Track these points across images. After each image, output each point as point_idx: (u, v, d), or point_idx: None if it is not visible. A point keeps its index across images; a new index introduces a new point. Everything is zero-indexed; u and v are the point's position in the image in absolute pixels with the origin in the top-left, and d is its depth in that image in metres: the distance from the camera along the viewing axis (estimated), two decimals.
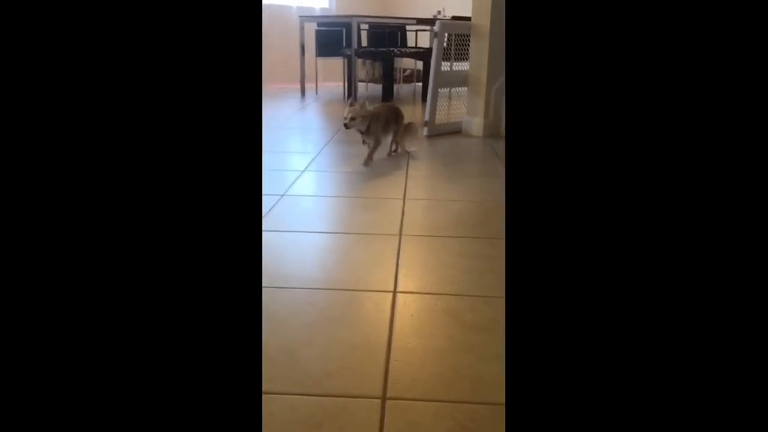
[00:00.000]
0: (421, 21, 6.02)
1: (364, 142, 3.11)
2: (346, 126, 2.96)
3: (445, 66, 3.87)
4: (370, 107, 3.06)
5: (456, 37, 3.90)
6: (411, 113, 4.99)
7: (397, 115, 3.28)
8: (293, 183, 2.66)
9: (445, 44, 3.83)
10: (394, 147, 3.32)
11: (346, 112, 2.95)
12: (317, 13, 7.25)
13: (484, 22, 3.74)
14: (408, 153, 3.34)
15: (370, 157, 3.05)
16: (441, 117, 3.98)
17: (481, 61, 3.80)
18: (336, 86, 6.62)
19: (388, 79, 5.70)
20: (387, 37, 6.45)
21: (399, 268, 1.72)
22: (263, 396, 1.10)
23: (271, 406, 1.07)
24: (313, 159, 3.11)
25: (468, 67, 3.94)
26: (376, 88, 6.09)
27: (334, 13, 7.29)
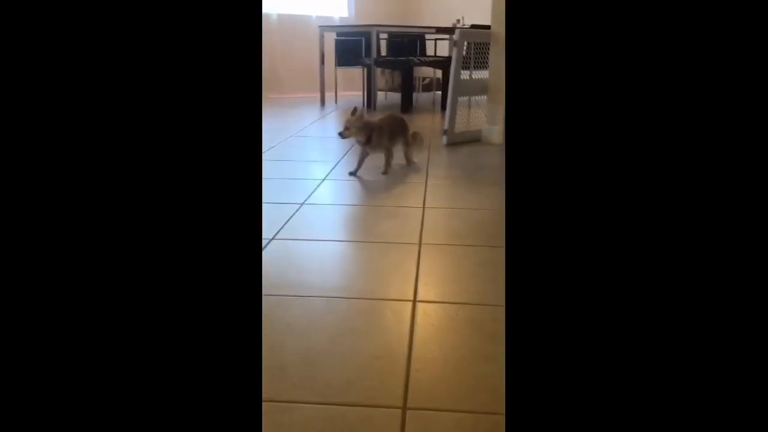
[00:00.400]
0: (440, 30, 6.03)
1: (360, 163, 3.06)
2: (341, 135, 2.93)
3: (465, 74, 3.87)
4: (374, 118, 3.04)
5: (475, 45, 3.90)
6: (430, 122, 4.99)
7: (403, 127, 3.21)
8: (313, 191, 2.67)
9: (464, 53, 3.83)
10: (408, 157, 3.25)
11: (344, 121, 2.94)
12: (337, 22, 7.29)
13: (503, 30, 3.73)
14: (414, 164, 3.25)
15: (388, 165, 3.06)
16: (460, 125, 3.98)
17: (501, 69, 3.80)
18: (355, 95, 6.65)
19: (407, 88, 5.71)
20: (406, 46, 6.46)
21: (419, 277, 1.71)
22: (284, 404, 1.10)
23: (291, 415, 1.07)
24: (333, 168, 3.13)
25: (487, 75, 3.93)
26: (396, 97, 6.11)
27: (353, 22, 7.33)
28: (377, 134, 2.99)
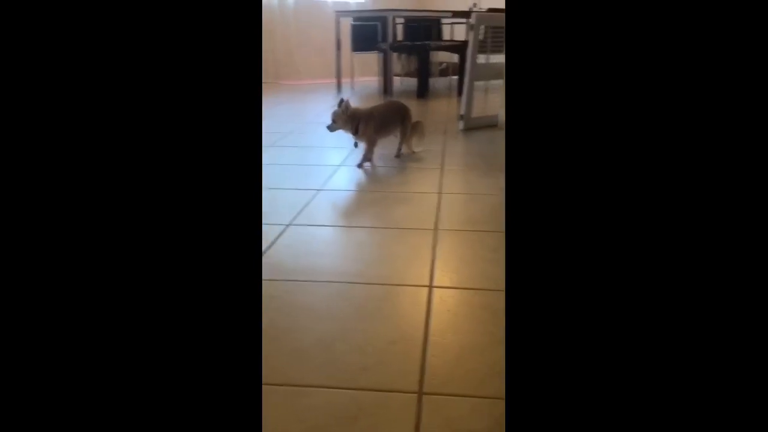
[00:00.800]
0: (456, 14, 5.97)
1: (356, 145, 2.98)
2: (329, 128, 2.86)
3: (481, 59, 3.83)
4: (365, 108, 2.95)
5: (492, 29, 3.86)
6: (446, 107, 4.96)
7: (402, 115, 3.06)
8: (330, 178, 2.67)
9: (481, 37, 3.79)
10: (400, 148, 3.11)
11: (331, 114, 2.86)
12: (353, 7, 7.25)
13: None
14: (414, 153, 3.14)
15: (364, 158, 2.91)
16: (477, 110, 3.95)
17: None
18: (372, 81, 6.63)
19: (423, 73, 5.67)
20: (422, 31, 6.41)
21: (435, 263, 1.71)
22: (300, 389, 1.11)
23: (308, 399, 1.08)
24: (348, 154, 3.12)
25: (504, 59, 3.89)
26: (412, 83, 6.07)
27: (369, 7, 7.29)
28: (363, 124, 2.87)
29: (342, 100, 2.87)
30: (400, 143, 3.11)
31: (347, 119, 2.85)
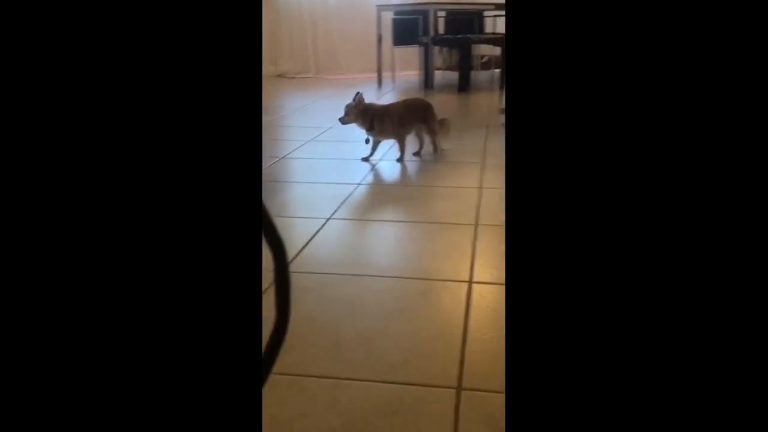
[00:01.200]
0: (499, 6, 5.90)
1: (367, 141, 2.92)
2: (341, 121, 2.85)
3: None
4: (381, 105, 2.94)
5: None
6: (488, 101, 4.91)
7: (423, 113, 2.99)
8: (369, 172, 2.68)
9: None
10: (434, 145, 3.03)
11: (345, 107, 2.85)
12: (394, 1, 7.24)
13: None
14: (443, 151, 3.05)
15: (402, 154, 2.90)
16: None
17: None
18: (413, 75, 6.61)
19: (465, 66, 5.63)
20: (464, 24, 6.36)
21: (475, 258, 1.70)
22: (339, 381, 1.12)
23: (347, 392, 1.09)
24: (389, 148, 3.12)
25: None
26: (453, 76, 6.03)
27: (410, 0, 7.26)
28: (379, 121, 2.84)
29: (357, 93, 2.87)
30: (433, 141, 3.04)
31: (359, 113, 2.83)
